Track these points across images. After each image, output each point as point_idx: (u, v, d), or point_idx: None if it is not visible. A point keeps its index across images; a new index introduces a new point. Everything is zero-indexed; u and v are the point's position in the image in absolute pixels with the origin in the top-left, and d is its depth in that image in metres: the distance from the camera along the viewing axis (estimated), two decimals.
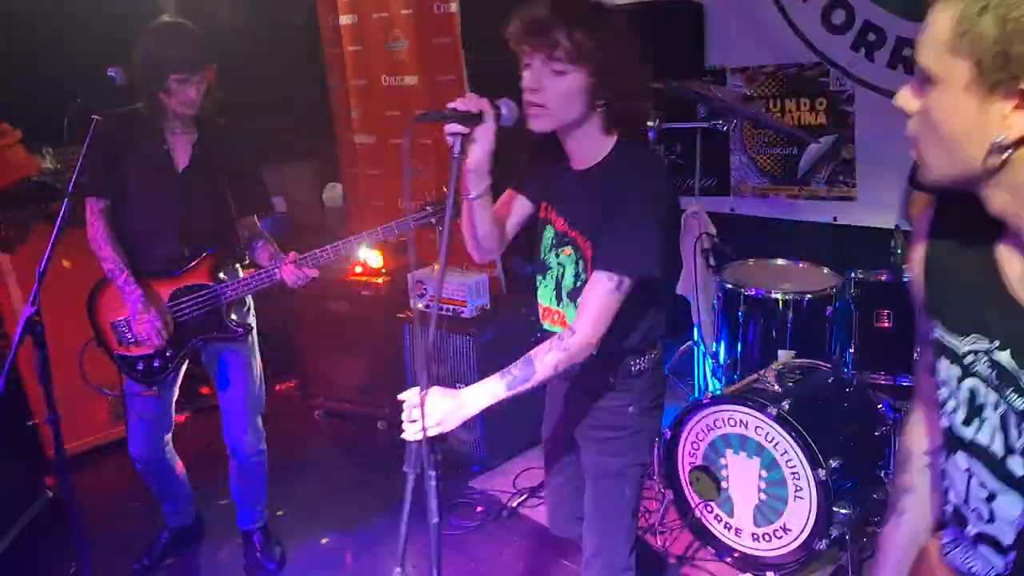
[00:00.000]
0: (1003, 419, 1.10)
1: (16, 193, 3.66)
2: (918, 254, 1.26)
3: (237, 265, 3.05)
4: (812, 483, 2.74)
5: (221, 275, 2.93)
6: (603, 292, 1.86)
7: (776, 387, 2.96)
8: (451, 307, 4.01)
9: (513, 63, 4.58)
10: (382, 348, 4.34)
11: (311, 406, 4.67)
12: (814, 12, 3.86)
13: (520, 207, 2.17)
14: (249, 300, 3.10)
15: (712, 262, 3.71)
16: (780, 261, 3.72)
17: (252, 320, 3.12)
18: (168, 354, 2.92)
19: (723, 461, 3.01)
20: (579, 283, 2.01)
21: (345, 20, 5.14)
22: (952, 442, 1.20)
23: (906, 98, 1.12)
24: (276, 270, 2.85)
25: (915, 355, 1.54)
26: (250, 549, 3.31)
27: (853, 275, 3.05)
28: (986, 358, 1.11)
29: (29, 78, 3.80)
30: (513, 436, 4.00)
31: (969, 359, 1.14)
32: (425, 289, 4.10)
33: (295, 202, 5.72)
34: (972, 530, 1.21)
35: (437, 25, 4.66)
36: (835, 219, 4.03)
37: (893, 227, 2.93)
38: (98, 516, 3.66)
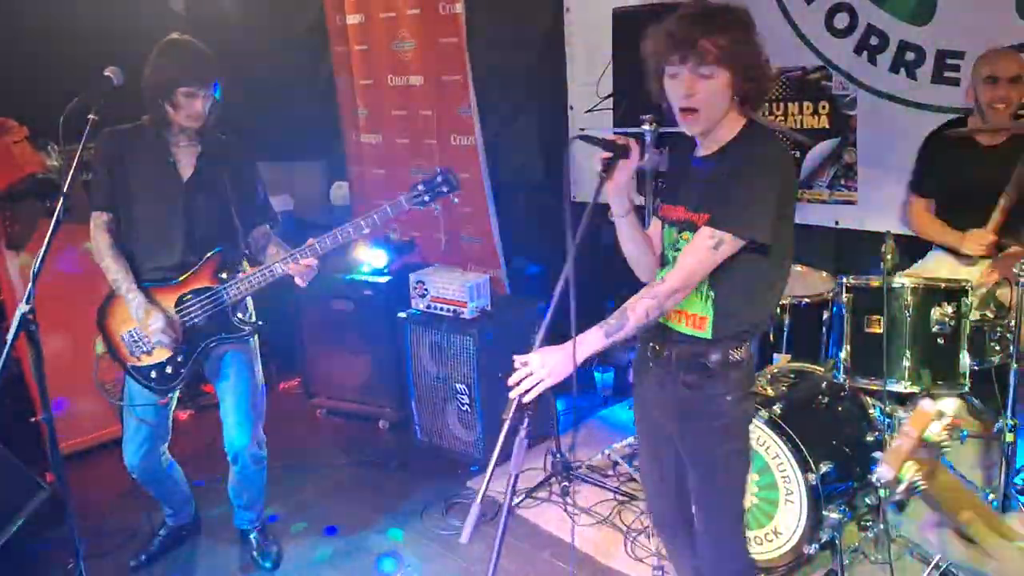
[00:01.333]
0: None
1: (22, 190, 3.71)
2: None
3: (239, 263, 3.08)
4: (802, 487, 2.74)
5: (224, 275, 2.97)
6: (701, 247, 1.96)
7: (769, 391, 2.96)
8: (452, 308, 4.03)
9: (516, 64, 4.57)
10: (384, 347, 4.37)
11: (313, 405, 4.71)
12: (818, 16, 3.85)
13: (657, 225, 2.31)
14: (249, 304, 3.13)
15: None
16: None
17: (255, 321, 3.15)
18: (180, 359, 2.96)
19: None
20: None
21: (352, 20, 5.18)
22: None
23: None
24: (276, 265, 2.88)
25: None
26: (247, 548, 3.34)
27: (844, 280, 3.04)
28: None
29: (35, 75, 3.85)
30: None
31: None
32: (426, 289, 4.13)
33: (302, 200, 5.76)
34: None
35: (443, 25, 4.69)
36: (836, 223, 4.01)
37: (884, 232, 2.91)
38: (99, 511, 3.71)
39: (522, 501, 3.65)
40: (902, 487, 1.40)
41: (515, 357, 1.93)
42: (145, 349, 2.95)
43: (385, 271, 4.48)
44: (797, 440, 2.74)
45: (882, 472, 1.40)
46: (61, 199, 2.30)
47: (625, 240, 2.23)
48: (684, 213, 2.09)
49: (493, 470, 1.77)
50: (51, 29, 4.09)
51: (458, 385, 4.02)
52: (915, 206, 3.47)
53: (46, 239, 2.22)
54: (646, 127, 3.27)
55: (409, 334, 4.17)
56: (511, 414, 1.82)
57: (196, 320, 2.94)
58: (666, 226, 2.19)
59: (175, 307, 2.94)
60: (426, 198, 2.81)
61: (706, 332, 2.08)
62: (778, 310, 3.28)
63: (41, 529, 3.24)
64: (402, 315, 4.20)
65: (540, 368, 1.89)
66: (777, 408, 2.84)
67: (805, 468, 2.72)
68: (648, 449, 2.40)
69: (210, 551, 3.46)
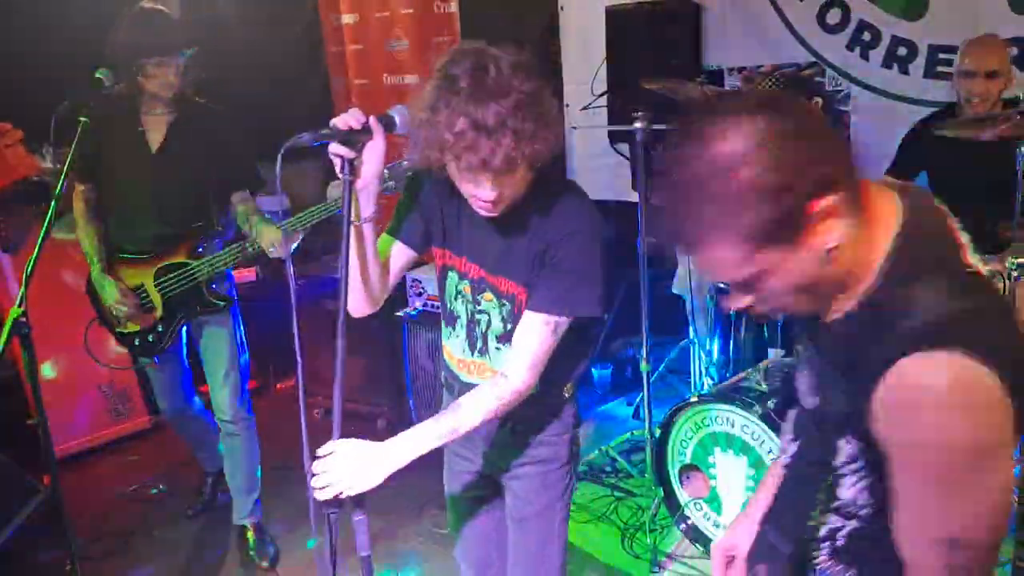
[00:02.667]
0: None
1: (16, 193, 3.71)
2: None
3: (216, 240, 3.14)
4: None
5: (200, 251, 3.05)
6: (541, 335, 1.78)
7: (763, 386, 2.97)
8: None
9: None
10: (381, 347, 4.37)
11: (310, 405, 4.71)
12: (810, 12, 3.86)
13: (401, 253, 1.93)
14: (230, 272, 3.21)
15: None
16: None
17: (234, 292, 3.23)
18: (159, 329, 3.10)
19: (711, 459, 3.03)
20: (510, 327, 1.87)
21: (347, 19, 5.19)
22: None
23: (738, 301, 1.21)
24: (245, 243, 2.98)
25: None
26: (243, 546, 3.35)
27: None
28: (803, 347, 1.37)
29: (29, 78, 3.85)
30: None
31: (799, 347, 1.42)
32: (422, 288, 4.13)
33: (299, 200, 5.75)
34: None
35: (437, 24, 4.70)
36: None
37: None
38: (97, 514, 3.71)
39: None
40: None
41: (319, 451, 1.61)
42: (121, 316, 3.07)
43: None
44: None
45: None
46: (52, 202, 2.30)
47: (362, 256, 1.79)
48: (479, 272, 1.87)
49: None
50: (45, 31, 4.09)
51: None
52: None
53: (38, 242, 2.22)
54: (639, 124, 3.26)
55: (406, 333, 4.17)
56: (319, 530, 1.58)
57: (172, 294, 3.05)
58: (449, 273, 1.94)
59: (155, 279, 3.04)
60: (391, 184, 2.81)
61: (537, 387, 1.86)
62: None
63: (37, 532, 3.24)
64: (398, 314, 4.20)
65: (343, 476, 1.59)
66: (771, 403, 2.85)
67: None
68: (467, 512, 2.22)
69: (207, 551, 3.47)
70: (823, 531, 1.34)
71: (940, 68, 3.48)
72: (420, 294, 4.13)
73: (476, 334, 1.94)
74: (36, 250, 2.20)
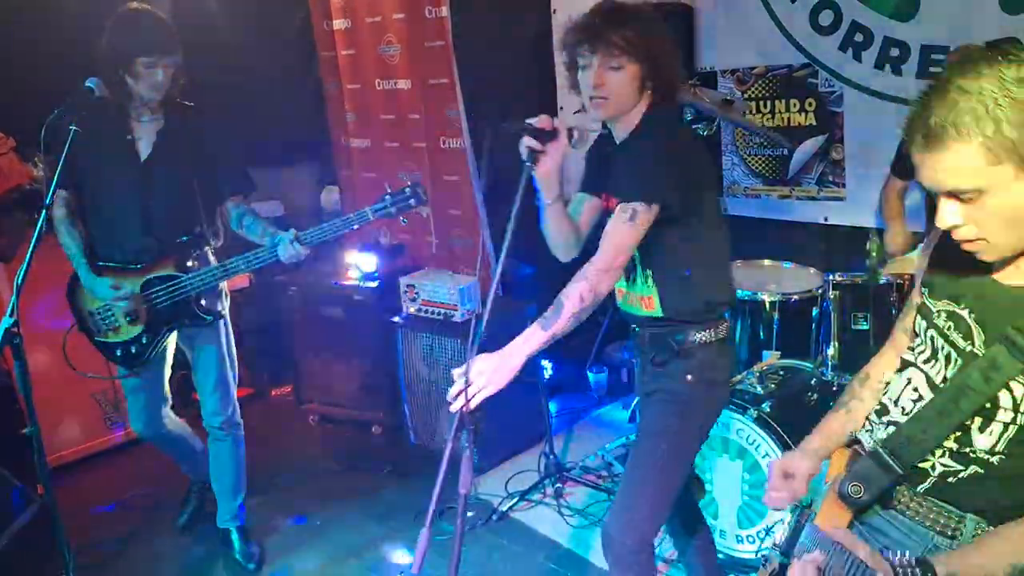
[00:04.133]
0: (947, 361, 1.47)
1: (9, 202, 3.70)
2: (931, 245, 1.60)
3: (208, 252, 3.11)
4: None
5: (189, 264, 3.00)
6: (619, 222, 1.99)
7: (757, 389, 2.97)
8: (443, 311, 4.03)
9: (503, 66, 4.56)
10: (375, 353, 4.36)
11: (306, 411, 4.70)
12: (802, 13, 3.86)
13: (589, 205, 2.35)
14: (223, 285, 3.17)
15: None
16: (767, 262, 3.73)
17: (225, 305, 3.20)
18: (144, 340, 3.03)
19: (707, 463, 3.02)
20: (639, 251, 2.12)
21: (338, 25, 5.17)
22: (905, 365, 1.60)
23: (953, 217, 1.33)
24: (240, 261, 2.93)
25: (897, 316, 1.79)
26: (228, 549, 3.35)
27: (831, 277, 3.05)
28: (948, 314, 1.47)
29: (21, 87, 3.84)
30: (505, 440, 4.02)
31: (934, 315, 1.51)
32: (417, 293, 4.12)
33: (293, 205, 5.76)
34: (888, 418, 1.59)
35: (429, 29, 4.68)
36: (826, 219, 4.02)
37: (872, 229, 2.93)
38: (92, 523, 3.70)
39: (516, 504, 3.64)
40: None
41: (453, 371, 1.86)
42: (111, 326, 3.01)
43: (375, 276, 4.48)
44: (786, 437, 2.73)
45: None
46: (43, 211, 2.29)
47: (551, 227, 2.23)
48: (616, 201, 2.12)
49: (440, 493, 1.70)
50: (37, 40, 4.08)
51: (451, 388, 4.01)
52: (888, 184, 3.45)
53: (28, 251, 2.21)
54: None
55: (401, 338, 4.16)
56: (452, 432, 1.74)
57: (160, 306, 2.99)
58: (610, 215, 2.19)
59: (142, 290, 2.97)
60: (392, 210, 2.85)
61: (656, 310, 2.18)
62: (766, 307, 3.29)
63: (31, 542, 3.22)
64: (393, 320, 4.20)
65: (479, 376, 1.84)
66: (766, 406, 2.84)
67: None
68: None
69: (191, 554, 3.47)
70: (937, 471, 1.45)
71: (933, 69, 3.48)
72: (415, 299, 4.13)
73: (631, 265, 2.18)
74: (27, 259, 2.19)
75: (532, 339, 1.93)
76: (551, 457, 3.85)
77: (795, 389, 3.05)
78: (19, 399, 3.68)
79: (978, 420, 1.41)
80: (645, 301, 2.21)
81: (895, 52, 3.59)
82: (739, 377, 3.14)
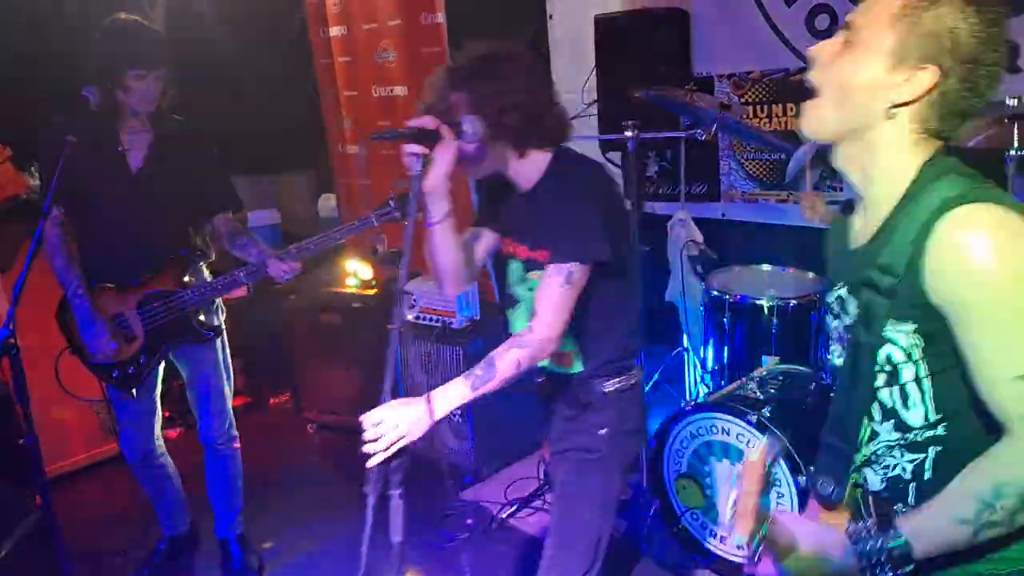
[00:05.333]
0: (844, 342, 1.45)
1: (6, 211, 3.69)
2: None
3: (202, 266, 3.07)
4: (793, 489, 2.74)
5: (187, 279, 2.95)
6: (554, 285, 1.89)
7: (757, 394, 2.96)
8: (440, 318, 4.02)
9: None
10: (374, 360, 4.33)
11: (304, 419, 4.69)
12: (798, 18, 3.86)
13: (487, 236, 2.20)
14: (218, 300, 3.13)
15: (699, 269, 3.72)
16: (766, 267, 3.73)
17: (221, 320, 3.15)
18: (142, 360, 2.95)
19: (707, 468, 3.01)
20: None
21: (335, 32, 5.18)
22: (833, 374, 1.61)
23: (823, 48, 1.35)
24: (240, 273, 2.89)
25: None
26: (228, 560, 3.33)
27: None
28: (835, 300, 1.47)
29: (18, 96, 3.84)
30: (505, 446, 4.01)
31: (831, 305, 1.50)
32: (415, 300, 4.12)
33: (290, 213, 5.76)
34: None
35: (425, 36, 4.69)
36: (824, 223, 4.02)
37: None
38: (90, 534, 3.68)
39: (516, 511, 3.63)
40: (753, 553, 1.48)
41: (362, 417, 1.73)
42: (105, 356, 2.94)
43: (373, 283, 4.47)
44: (787, 442, 2.73)
45: (737, 540, 1.50)
46: (40, 221, 2.29)
47: (438, 251, 2.01)
48: (527, 252, 2.05)
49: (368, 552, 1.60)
50: (33, 50, 4.08)
51: None
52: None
53: (26, 261, 2.21)
54: (629, 133, 3.25)
55: (399, 346, 4.15)
56: (371, 485, 1.65)
57: (158, 323, 2.92)
58: (510, 262, 2.13)
59: (138, 308, 2.91)
60: (396, 214, 2.83)
61: (574, 367, 2.08)
62: (765, 312, 3.29)
63: (30, 554, 3.21)
64: (391, 327, 4.18)
65: (392, 430, 1.71)
66: (766, 410, 2.84)
67: (795, 470, 2.71)
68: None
69: (193, 564, 3.46)
70: (908, 471, 1.40)
71: None
72: (413, 306, 4.12)
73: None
74: (25, 269, 2.18)
75: (456, 397, 1.84)
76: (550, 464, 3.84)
77: (795, 394, 3.04)
78: (17, 410, 3.68)
79: (896, 395, 1.37)
80: (562, 358, 2.10)
81: None
82: (738, 383, 3.14)
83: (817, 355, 3.24)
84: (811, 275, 3.54)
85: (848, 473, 1.45)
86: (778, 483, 2.79)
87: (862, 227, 1.40)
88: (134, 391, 2.99)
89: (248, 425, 3.39)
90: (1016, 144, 2.62)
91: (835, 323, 1.50)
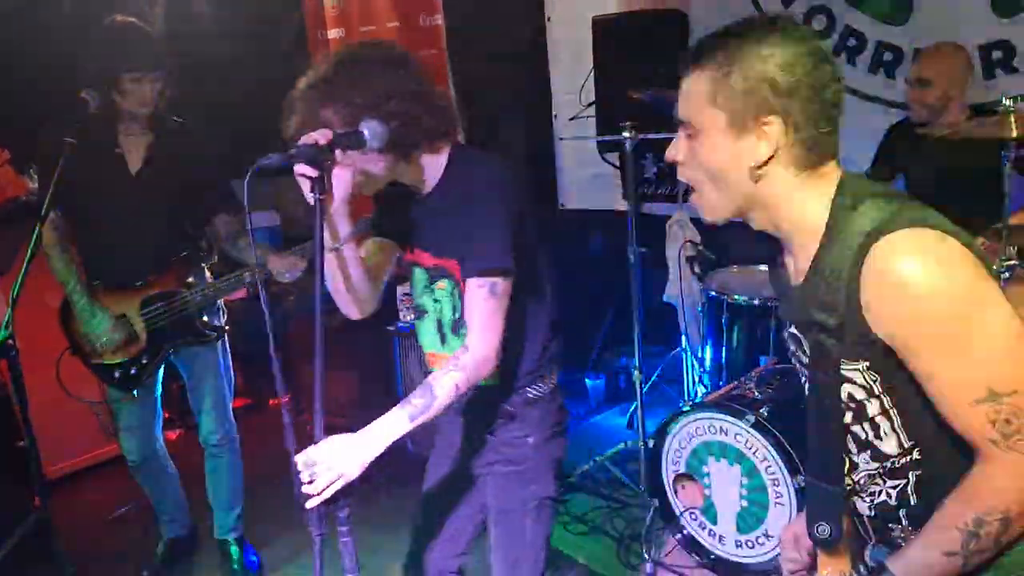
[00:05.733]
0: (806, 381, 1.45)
1: (4, 214, 3.70)
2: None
3: (204, 267, 3.07)
4: (791, 489, 2.74)
5: (190, 280, 2.96)
6: (480, 300, 1.77)
7: (755, 394, 2.97)
8: None
9: (498, 74, 4.57)
10: (371, 362, 4.36)
11: (303, 421, 4.68)
12: (796, 18, 3.87)
13: (389, 249, 2.07)
14: (220, 302, 3.12)
15: (697, 269, 3.72)
16: (764, 267, 3.71)
17: (223, 321, 3.15)
18: (144, 361, 2.96)
19: (706, 468, 3.02)
20: (458, 314, 1.93)
21: (333, 34, 5.20)
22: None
23: (675, 150, 1.37)
24: (244, 273, 2.89)
25: None
26: (227, 561, 3.33)
27: None
28: (789, 338, 1.47)
29: (16, 99, 3.84)
30: None
31: (787, 345, 1.50)
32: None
33: (288, 215, 5.75)
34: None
35: (423, 37, 4.71)
36: None
37: None
38: (90, 536, 3.69)
39: None
40: None
41: (296, 458, 1.61)
42: (109, 348, 2.93)
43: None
44: (784, 442, 2.74)
45: None
46: (38, 223, 2.29)
47: (343, 277, 1.85)
48: (431, 259, 1.94)
49: None
50: (30, 52, 4.08)
51: None
52: None
53: (24, 263, 2.21)
54: (627, 134, 3.26)
55: (397, 347, 4.16)
56: (315, 525, 1.59)
57: (160, 324, 2.92)
58: (415, 270, 2.01)
59: (141, 309, 2.91)
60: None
61: (494, 379, 1.90)
62: (762, 312, 3.30)
63: (29, 556, 3.21)
64: (389, 328, 4.19)
65: (327, 470, 1.60)
66: (764, 411, 2.84)
67: (794, 470, 2.72)
68: (440, 498, 2.20)
69: (193, 565, 3.46)
70: (893, 498, 1.39)
71: None
72: (411, 308, 4.12)
73: (439, 325, 1.99)
74: (23, 271, 2.19)
75: (395, 429, 1.73)
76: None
77: (793, 394, 3.05)
78: (16, 411, 3.69)
79: (868, 429, 1.36)
80: None
81: (888, 56, 3.61)
82: (734, 383, 3.15)
83: None
84: None
85: (840, 511, 1.42)
86: (776, 483, 2.80)
87: (795, 268, 1.38)
88: (135, 392, 2.99)
89: (248, 426, 3.40)
90: (1014, 140, 2.63)
91: (794, 359, 1.51)
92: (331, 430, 1.68)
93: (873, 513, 1.44)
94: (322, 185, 1.60)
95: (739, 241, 4.26)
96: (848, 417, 1.36)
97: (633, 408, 4.02)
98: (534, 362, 1.99)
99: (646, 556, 3.11)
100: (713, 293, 3.46)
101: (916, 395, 1.26)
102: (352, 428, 1.79)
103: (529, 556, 2.08)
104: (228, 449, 3.24)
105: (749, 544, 2.93)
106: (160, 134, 2.90)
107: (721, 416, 2.90)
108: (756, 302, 3.31)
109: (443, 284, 1.93)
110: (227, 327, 3.15)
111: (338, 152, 1.65)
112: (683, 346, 4.02)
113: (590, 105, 4.37)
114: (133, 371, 2.96)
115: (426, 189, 1.90)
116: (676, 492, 3.14)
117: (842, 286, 1.24)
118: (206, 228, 3.06)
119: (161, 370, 3.10)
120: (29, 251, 2.22)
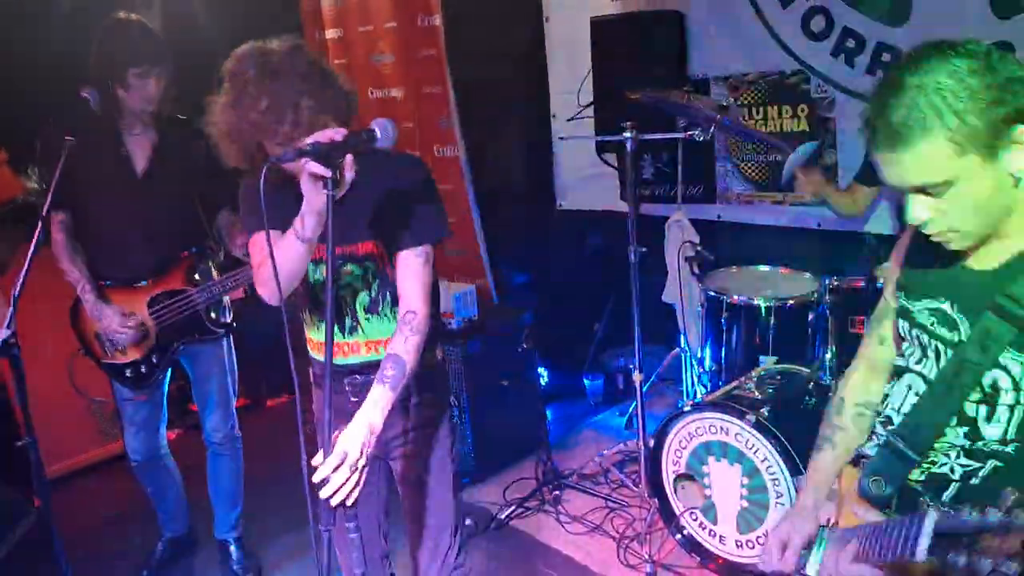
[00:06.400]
0: (939, 355, 1.48)
1: (2, 215, 3.68)
2: (903, 246, 1.62)
3: (211, 265, 3.08)
4: (792, 489, 2.75)
5: (197, 277, 2.98)
6: (419, 266, 2.00)
7: (756, 394, 2.98)
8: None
9: (496, 74, 4.54)
10: None
11: (303, 421, 4.66)
12: (794, 19, 3.87)
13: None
14: (226, 299, 3.13)
15: (696, 270, 3.73)
16: (763, 267, 3.74)
17: (229, 318, 3.16)
18: (154, 359, 2.98)
19: (706, 468, 3.02)
20: (375, 292, 2.08)
21: (331, 34, 5.19)
22: (900, 372, 1.59)
23: (923, 212, 1.37)
24: (247, 269, 2.89)
25: (865, 329, 1.80)
26: (226, 560, 3.33)
27: (828, 281, 3.06)
28: (932, 312, 1.49)
29: (13, 99, 3.83)
30: (503, 447, 4.02)
31: (917, 315, 1.52)
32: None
33: None
34: (892, 428, 1.56)
35: (421, 38, 4.70)
36: (819, 225, 4.03)
37: (864, 233, 2.95)
38: (89, 535, 3.68)
39: (513, 512, 3.64)
40: None
41: (314, 461, 1.70)
42: (119, 347, 2.96)
43: None
44: (785, 442, 2.74)
45: None
46: (40, 223, 2.29)
47: (297, 264, 1.91)
48: (338, 248, 1.97)
49: None
50: (27, 52, 4.06)
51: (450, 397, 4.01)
52: (850, 186, 3.47)
53: (26, 263, 2.20)
54: (627, 134, 3.26)
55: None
56: (326, 523, 1.69)
57: (169, 322, 2.95)
58: (310, 266, 2.03)
59: (149, 308, 2.93)
60: None
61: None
62: (762, 312, 3.30)
63: (28, 554, 3.21)
64: None
65: (347, 460, 1.69)
66: (764, 410, 2.85)
67: (795, 470, 2.72)
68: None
69: (192, 565, 3.46)
70: (958, 473, 1.45)
71: None
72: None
73: (344, 313, 2.09)
74: (24, 271, 2.18)
75: (384, 402, 1.85)
76: (548, 464, 3.85)
77: (793, 393, 3.06)
78: (16, 411, 3.68)
79: (983, 409, 1.42)
80: (379, 344, 2.09)
81: (887, 57, 3.61)
82: (736, 383, 3.15)
83: (815, 354, 3.25)
84: (807, 275, 3.54)
85: (907, 477, 1.49)
86: (777, 483, 2.80)
87: (985, 252, 1.42)
88: (144, 390, 3.03)
89: (247, 427, 3.39)
90: None
91: (916, 332, 1.53)
92: (310, 441, 1.74)
93: (923, 478, 1.48)
94: (334, 183, 1.63)
95: (738, 241, 4.29)
96: (974, 396, 1.41)
97: (632, 408, 4.02)
98: (435, 328, 2.13)
99: (646, 556, 3.12)
100: (712, 293, 3.46)
101: None
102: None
103: (453, 508, 2.31)
104: (231, 448, 3.24)
105: (750, 544, 2.94)
106: (164, 133, 2.91)
107: (722, 416, 2.91)
108: (755, 302, 3.31)
109: (348, 269, 2.05)
110: (234, 323, 3.16)
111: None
112: (682, 346, 4.02)
113: (588, 105, 4.36)
114: (143, 369, 2.99)
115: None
116: (676, 492, 3.14)
117: None
118: (211, 226, 3.08)
119: (169, 370, 3.12)
120: (31, 250, 2.21)
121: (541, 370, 4.52)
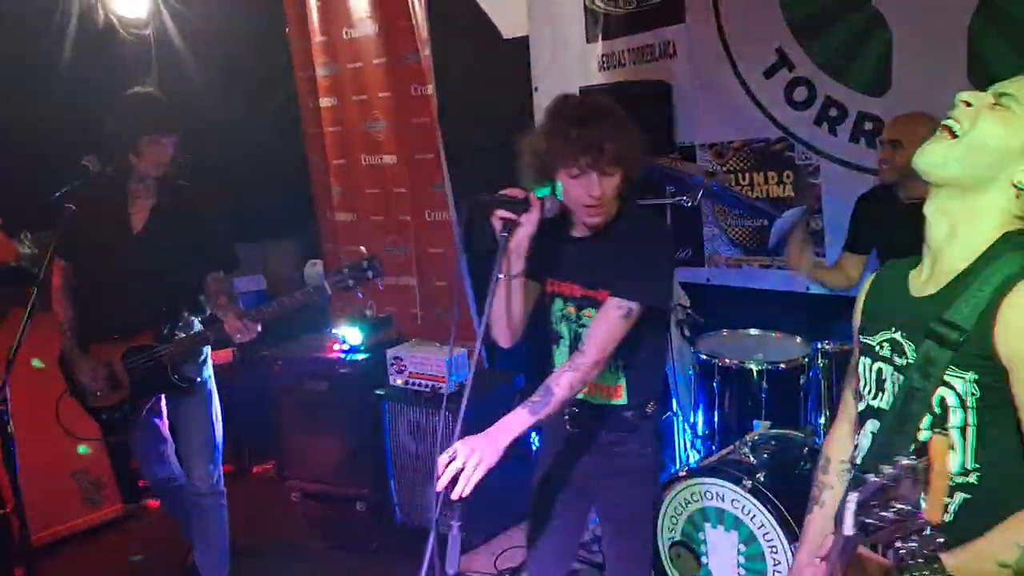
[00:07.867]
0: (892, 384, 1.51)
1: None
2: (860, 302, 1.70)
3: (194, 319, 3.17)
4: (790, 556, 2.72)
5: (167, 333, 3.06)
6: (613, 317, 2.07)
7: (751, 459, 2.96)
8: (430, 383, 4.00)
9: (487, 141, 4.63)
10: (360, 426, 4.30)
11: (288, 488, 4.60)
12: (777, 89, 3.97)
13: (532, 286, 2.31)
14: (206, 351, 3.21)
15: (686, 333, 3.74)
16: (753, 331, 3.76)
17: (205, 374, 3.21)
18: (127, 408, 3.10)
19: (702, 536, 2.99)
20: None
21: (326, 103, 5.27)
22: (864, 415, 1.60)
23: (977, 100, 1.48)
24: (208, 330, 3.05)
25: (844, 385, 1.85)
26: None
27: (819, 345, 3.08)
28: (886, 342, 1.54)
29: (7, 164, 3.85)
30: (493, 514, 3.96)
31: (876, 348, 1.56)
32: (404, 366, 4.10)
33: (276, 279, 5.74)
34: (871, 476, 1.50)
35: (414, 106, 4.79)
36: (807, 288, 4.07)
37: (854, 297, 2.95)
38: None
39: None
40: None
41: (439, 460, 1.91)
42: (93, 394, 3.08)
43: (362, 348, 4.46)
44: (782, 508, 2.72)
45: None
46: (35, 289, 2.29)
47: (508, 305, 2.19)
48: (581, 290, 2.21)
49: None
50: (24, 120, 4.11)
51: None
52: (839, 260, 3.52)
53: (21, 327, 2.20)
54: None
55: (387, 412, 4.12)
56: (439, 512, 1.84)
57: (140, 375, 3.05)
58: (556, 300, 2.29)
59: (122, 360, 3.05)
60: (349, 282, 2.93)
61: (622, 399, 2.25)
62: (754, 376, 3.31)
63: None
64: (379, 392, 4.16)
65: (471, 458, 1.89)
66: (760, 476, 2.83)
67: (792, 537, 2.70)
68: (547, 513, 2.43)
69: None
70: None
71: None
72: (402, 371, 4.10)
73: (577, 349, 2.18)
74: (19, 336, 2.17)
75: (520, 422, 1.98)
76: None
77: (788, 458, 3.05)
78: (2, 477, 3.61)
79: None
80: (607, 391, 2.27)
81: (869, 126, 3.70)
82: (730, 448, 3.14)
83: (808, 418, 3.25)
84: (798, 339, 3.57)
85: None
86: (775, 550, 2.78)
87: (927, 278, 1.49)
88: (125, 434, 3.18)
89: (231, 494, 3.33)
90: None
91: (876, 365, 1.56)
92: (312, 496, 1.81)
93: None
94: (512, 227, 2.03)
95: (728, 304, 4.31)
96: (925, 422, 1.42)
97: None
98: (656, 388, 2.32)
99: None
100: (704, 357, 3.47)
101: (1004, 420, 1.36)
102: (333, 496, 1.89)
103: (648, 554, 2.43)
104: (215, 504, 3.23)
105: None
106: (164, 195, 3.05)
107: (718, 482, 2.89)
108: (748, 366, 3.32)
109: (590, 312, 2.19)
110: (207, 378, 3.22)
111: (534, 205, 2.05)
112: (674, 410, 4.01)
113: None
114: (117, 415, 3.10)
115: (591, 229, 2.18)
116: (671, 560, 3.10)
117: (979, 308, 1.35)
118: (199, 285, 3.15)
119: (164, 406, 3.23)
120: (26, 315, 2.20)
121: (532, 435, 4.48)
